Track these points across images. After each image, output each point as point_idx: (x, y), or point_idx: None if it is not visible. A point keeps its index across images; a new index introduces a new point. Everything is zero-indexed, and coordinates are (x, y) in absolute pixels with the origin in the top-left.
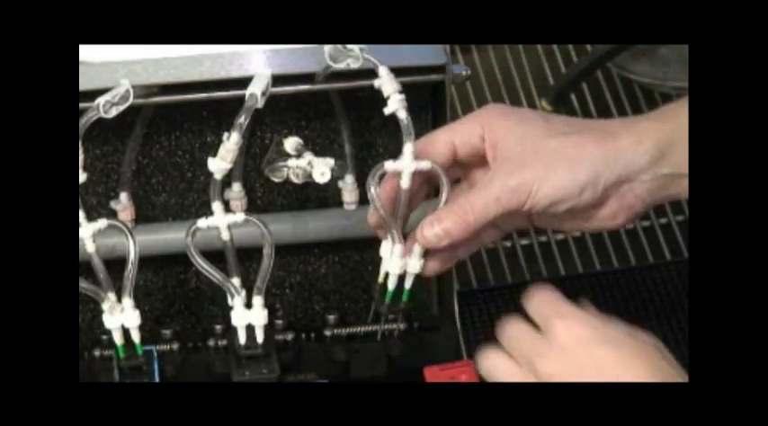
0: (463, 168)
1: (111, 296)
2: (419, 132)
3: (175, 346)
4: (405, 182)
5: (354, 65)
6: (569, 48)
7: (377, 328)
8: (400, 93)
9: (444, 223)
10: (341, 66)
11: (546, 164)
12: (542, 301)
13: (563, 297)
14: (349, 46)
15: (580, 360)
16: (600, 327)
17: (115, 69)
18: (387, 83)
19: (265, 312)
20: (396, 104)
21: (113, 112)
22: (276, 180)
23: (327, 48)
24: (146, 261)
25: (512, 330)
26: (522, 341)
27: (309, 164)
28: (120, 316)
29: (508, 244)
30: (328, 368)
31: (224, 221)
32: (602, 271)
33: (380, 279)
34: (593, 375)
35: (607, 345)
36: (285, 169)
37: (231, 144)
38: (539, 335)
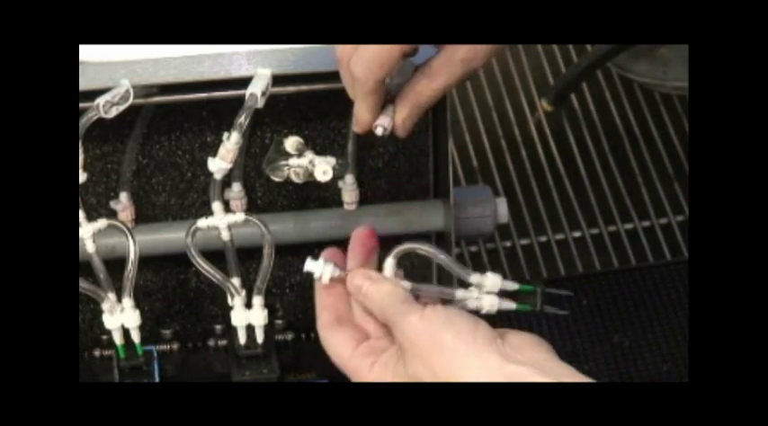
0: None
1: (111, 296)
2: (419, 132)
3: (175, 346)
4: None
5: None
6: (569, 48)
7: None
8: None
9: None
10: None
11: None
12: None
13: None
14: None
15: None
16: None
17: (115, 69)
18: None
19: (265, 312)
20: None
21: (113, 112)
22: (277, 179)
23: None
24: (146, 261)
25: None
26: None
27: (311, 162)
28: (120, 316)
29: (508, 243)
30: (328, 368)
31: (224, 221)
32: (602, 271)
33: None
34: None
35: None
36: (286, 168)
37: (231, 144)
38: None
